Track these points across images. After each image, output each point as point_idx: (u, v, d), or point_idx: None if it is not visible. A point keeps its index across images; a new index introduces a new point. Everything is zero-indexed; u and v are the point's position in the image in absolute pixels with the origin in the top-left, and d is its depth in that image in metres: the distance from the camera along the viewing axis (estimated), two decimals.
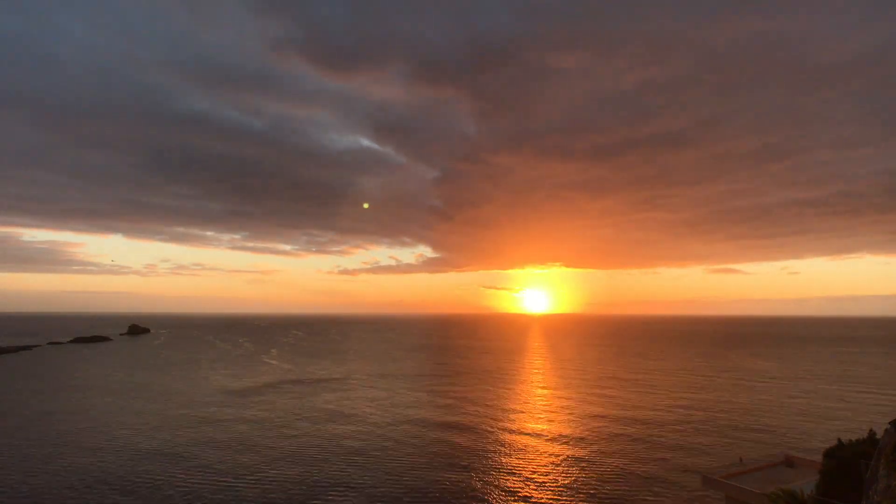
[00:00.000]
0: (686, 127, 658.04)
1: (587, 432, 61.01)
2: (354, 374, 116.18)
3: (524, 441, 57.57)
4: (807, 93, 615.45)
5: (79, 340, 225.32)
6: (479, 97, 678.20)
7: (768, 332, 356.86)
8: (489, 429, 63.24)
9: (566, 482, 43.85)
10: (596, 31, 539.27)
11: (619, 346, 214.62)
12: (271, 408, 75.66)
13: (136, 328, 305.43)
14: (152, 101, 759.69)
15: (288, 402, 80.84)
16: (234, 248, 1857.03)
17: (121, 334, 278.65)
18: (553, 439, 58.17)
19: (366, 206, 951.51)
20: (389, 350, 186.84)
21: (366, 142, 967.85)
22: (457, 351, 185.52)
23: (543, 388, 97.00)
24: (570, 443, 56.54)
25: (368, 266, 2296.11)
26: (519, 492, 41.73)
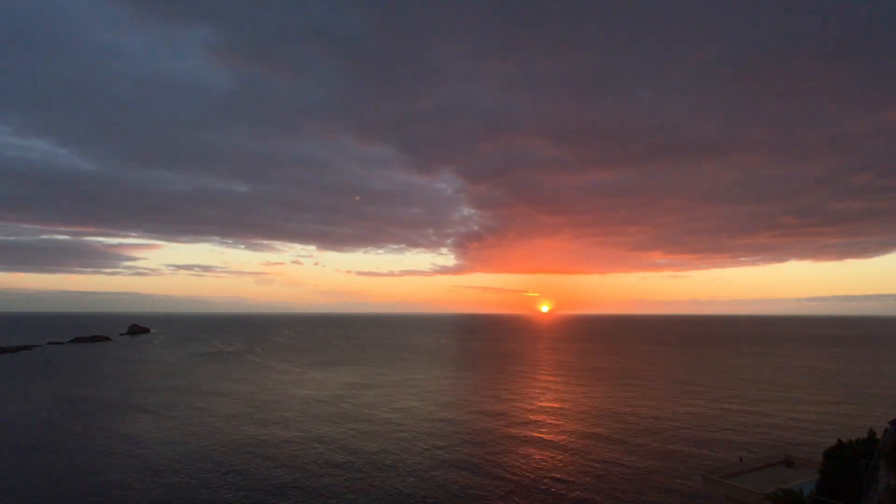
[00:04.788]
0: (624, 201, 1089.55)
1: (584, 431, 61.02)
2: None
3: (517, 439, 57.55)
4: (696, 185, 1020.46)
5: (79, 340, 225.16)
6: (501, 189, 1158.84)
7: (732, 332, 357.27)
8: (474, 420, 63.46)
9: (565, 481, 43.82)
10: (576, 155, 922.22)
11: (604, 344, 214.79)
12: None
13: (136, 328, 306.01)
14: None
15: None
16: (301, 256, 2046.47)
17: (121, 334, 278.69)
18: (551, 438, 58.17)
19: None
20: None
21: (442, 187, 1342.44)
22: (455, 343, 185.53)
23: (532, 382, 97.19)
24: (568, 441, 56.51)
25: (409, 269, 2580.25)
26: (513, 492, 41.67)
